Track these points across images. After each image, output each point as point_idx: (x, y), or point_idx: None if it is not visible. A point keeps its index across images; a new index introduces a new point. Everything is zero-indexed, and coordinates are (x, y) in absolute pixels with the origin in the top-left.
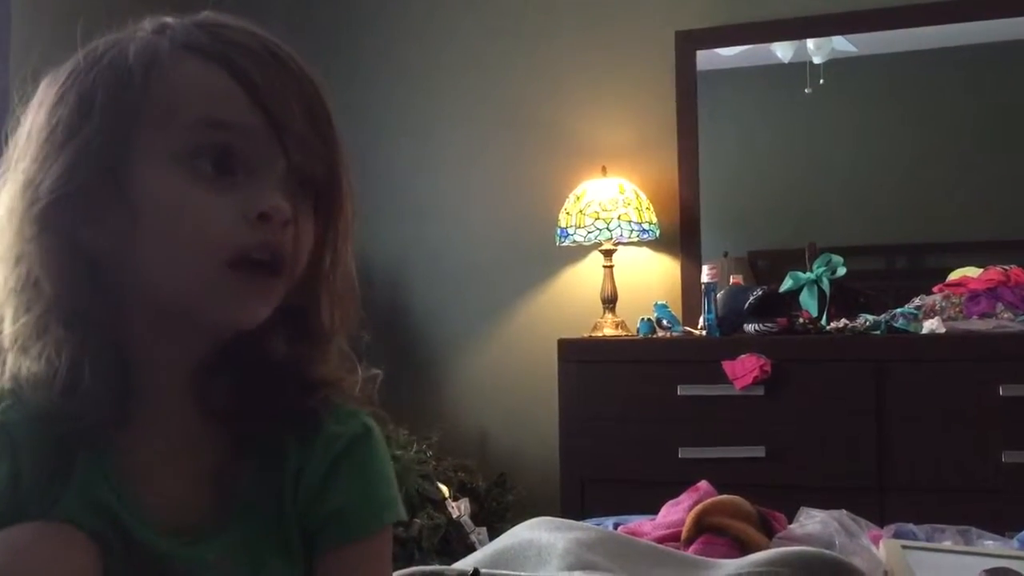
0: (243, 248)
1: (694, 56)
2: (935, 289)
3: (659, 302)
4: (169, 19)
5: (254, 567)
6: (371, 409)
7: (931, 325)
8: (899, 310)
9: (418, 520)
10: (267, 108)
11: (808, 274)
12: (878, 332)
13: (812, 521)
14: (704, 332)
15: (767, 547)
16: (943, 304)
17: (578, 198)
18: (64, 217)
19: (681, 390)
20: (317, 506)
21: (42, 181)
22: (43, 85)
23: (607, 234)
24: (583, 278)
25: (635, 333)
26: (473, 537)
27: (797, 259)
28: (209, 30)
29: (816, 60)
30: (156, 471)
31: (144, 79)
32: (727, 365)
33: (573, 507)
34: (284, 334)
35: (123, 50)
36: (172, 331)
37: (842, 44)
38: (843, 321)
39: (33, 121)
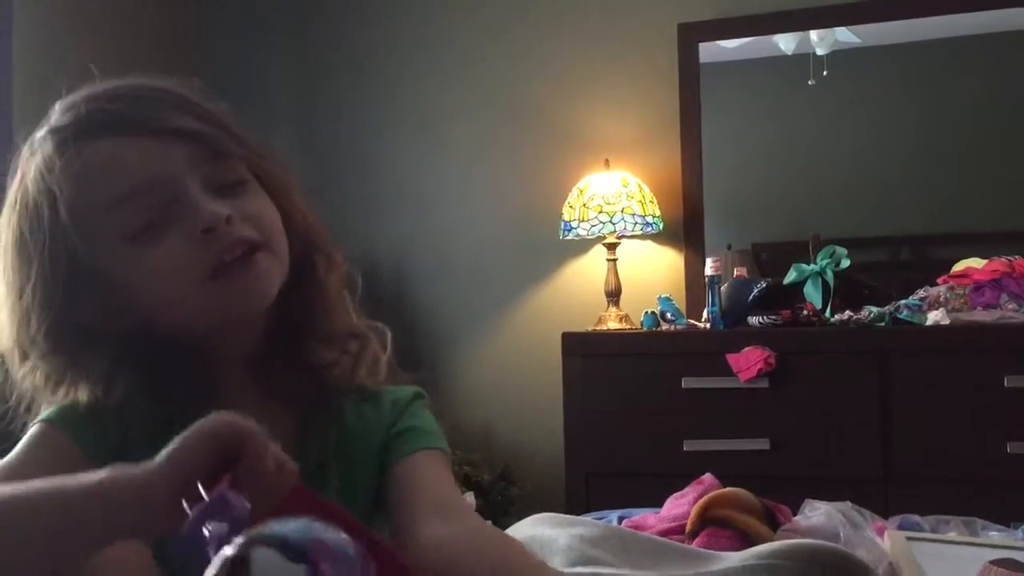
0: (208, 264)
1: (697, 48)
2: (939, 280)
3: (663, 295)
4: (38, 134)
5: (352, 507)
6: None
7: (935, 316)
8: (903, 301)
9: None
10: (157, 142)
11: (812, 266)
12: (882, 324)
13: (817, 513)
14: (708, 325)
15: (772, 539)
16: (947, 295)
17: (581, 191)
18: (64, 336)
19: (685, 383)
20: (390, 435)
21: (28, 316)
22: None
23: (610, 227)
24: (587, 271)
25: (639, 326)
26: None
27: (801, 251)
28: (76, 113)
29: (819, 52)
30: None
31: (52, 205)
32: (731, 358)
33: (577, 500)
34: (299, 301)
35: (26, 188)
36: (210, 336)
37: (845, 35)
38: (847, 313)
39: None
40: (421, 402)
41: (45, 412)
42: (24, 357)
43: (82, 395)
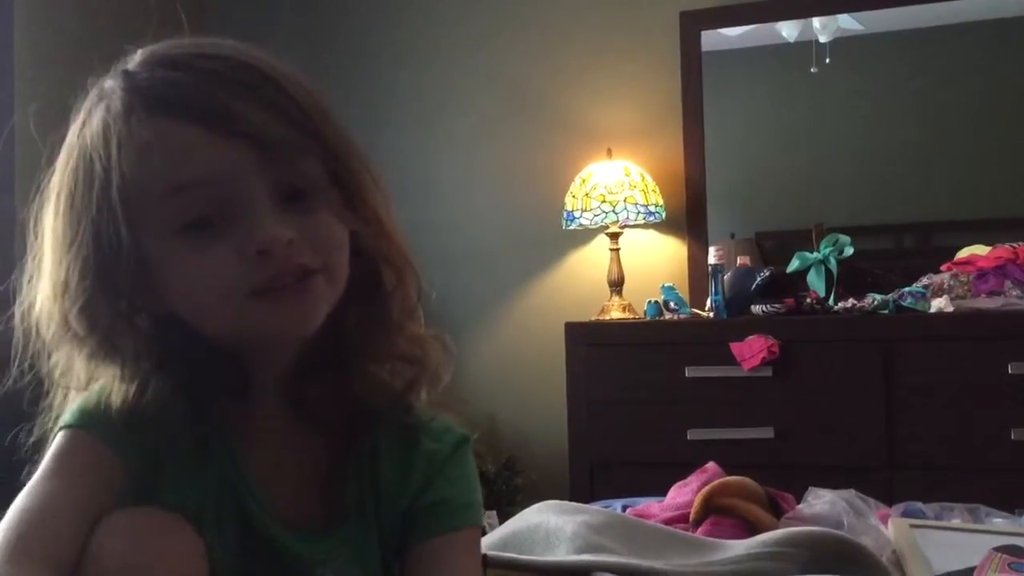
0: (257, 284)
1: (699, 36)
2: (943, 268)
3: (666, 284)
4: (110, 82)
5: (362, 562)
6: (457, 416)
7: (939, 304)
8: (907, 289)
9: None
10: (225, 138)
11: (815, 254)
12: (886, 311)
13: (820, 501)
14: (711, 314)
15: (775, 528)
16: (951, 283)
17: (584, 181)
18: (100, 309)
19: (689, 372)
20: (415, 505)
21: (67, 285)
22: (49, 177)
23: (613, 217)
24: (590, 261)
25: (642, 316)
26: (483, 521)
27: (804, 239)
28: (151, 76)
29: (822, 39)
30: (271, 474)
31: (106, 170)
32: (735, 347)
33: (582, 490)
34: (356, 320)
35: (84, 145)
36: (245, 348)
37: (848, 22)
38: (851, 301)
39: (45, 223)
40: (463, 453)
41: (67, 414)
42: (63, 330)
43: (115, 397)
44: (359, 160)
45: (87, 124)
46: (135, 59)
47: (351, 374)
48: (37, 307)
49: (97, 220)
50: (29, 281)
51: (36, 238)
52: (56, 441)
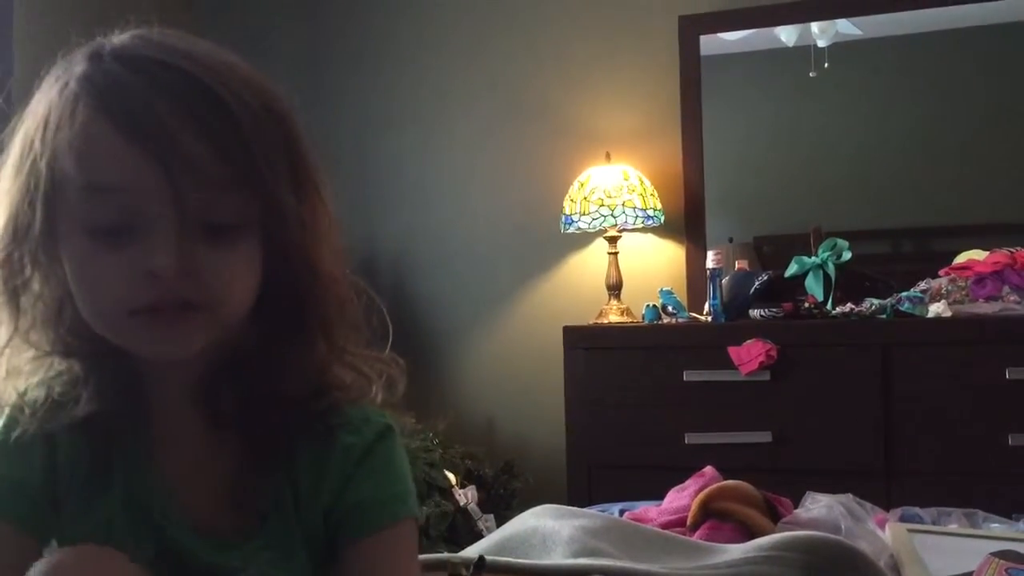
0: (138, 304)
1: (697, 41)
2: (941, 272)
3: (664, 288)
4: (79, 62)
5: (285, 565)
6: (386, 409)
7: (937, 308)
8: (905, 294)
9: (425, 508)
10: (152, 157)
11: (813, 259)
12: (884, 316)
13: (818, 506)
14: (710, 318)
15: (773, 532)
16: (949, 287)
17: (582, 185)
18: (13, 275)
19: (687, 376)
20: (338, 504)
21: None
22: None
23: (612, 220)
24: (588, 265)
25: (640, 319)
26: (480, 524)
27: (802, 244)
28: (108, 70)
29: (821, 43)
30: (182, 482)
31: (42, 149)
32: (733, 351)
33: (580, 493)
34: (276, 342)
35: (36, 113)
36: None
37: (847, 27)
38: (849, 305)
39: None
40: (386, 443)
41: None
42: None
43: (10, 401)
44: (304, 195)
45: (45, 93)
46: (111, 43)
47: (270, 389)
48: None
49: (22, 188)
50: None
51: None
52: None
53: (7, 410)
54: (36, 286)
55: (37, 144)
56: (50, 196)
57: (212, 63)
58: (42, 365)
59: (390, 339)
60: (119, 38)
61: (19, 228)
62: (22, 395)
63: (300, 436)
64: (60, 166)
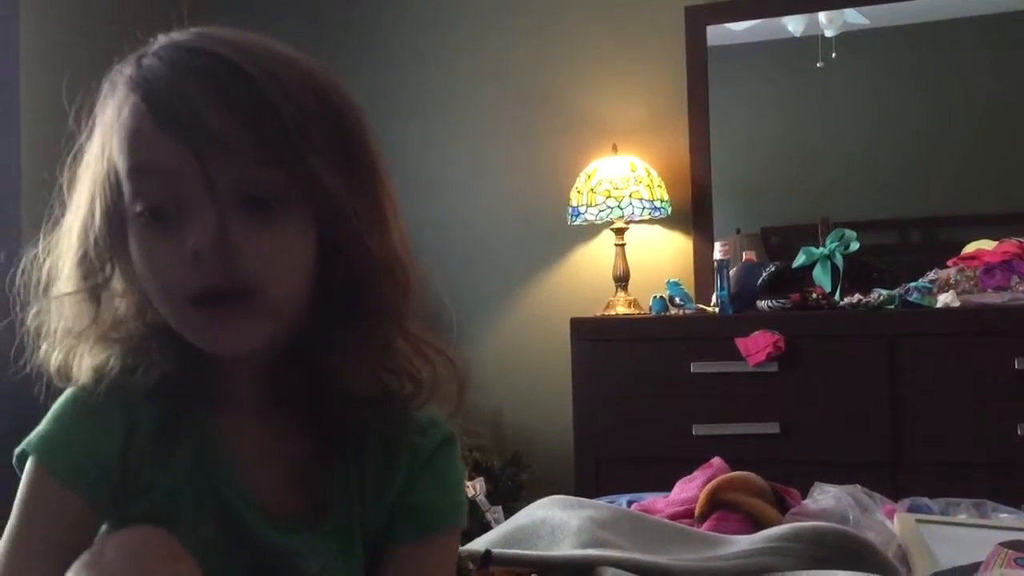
0: (191, 290)
1: (704, 31)
2: (949, 263)
3: (671, 280)
4: (128, 66)
5: (344, 555)
6: (450, 414)
7: (945, 299)
8: (913, 284)
9: None
10: (182, 137)
11: (821, 249)
12: (892, 307)
13: (826, 496)
14: (717, 309)
15: (781, 523)
16: (957, 278)
17: (589, 176)
18: (92, 273)
19: (694, 367)
20: (399, 504)
21: (85, 236)
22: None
23: (619, 212)
24: (595, 256)
25: (648, 311)
26: (488, 516)
27: (810, 234)
28: (146, 64)
29: (828, 33)
30: (249, 463)
31: (104, 153)
32: (740, 342)
33: (587, 485)
34: (336, 328)
35: (96, 109)
36: None
37: (854, 16)
38: (857, 296)
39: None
40: (449, 450)
41: (34, 436)
42: (65, 281)
43: (89, 367)
44: (346, 180)
45: (104, 98)
46: (158, 42)
47: (328, 379)
48: (47, 258)
49: (90, 188)
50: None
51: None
52: (24, 479)
53: (81, 381)
54: (118, 285)
55: (96, 148)
56: (111, 192)
57: (248, 45)
58: (113, 348)
59: (454, 331)
60: (166, 35)
61: (87, 232)
62: (97, 368)
63: (369, 427)
64: (114, 161)
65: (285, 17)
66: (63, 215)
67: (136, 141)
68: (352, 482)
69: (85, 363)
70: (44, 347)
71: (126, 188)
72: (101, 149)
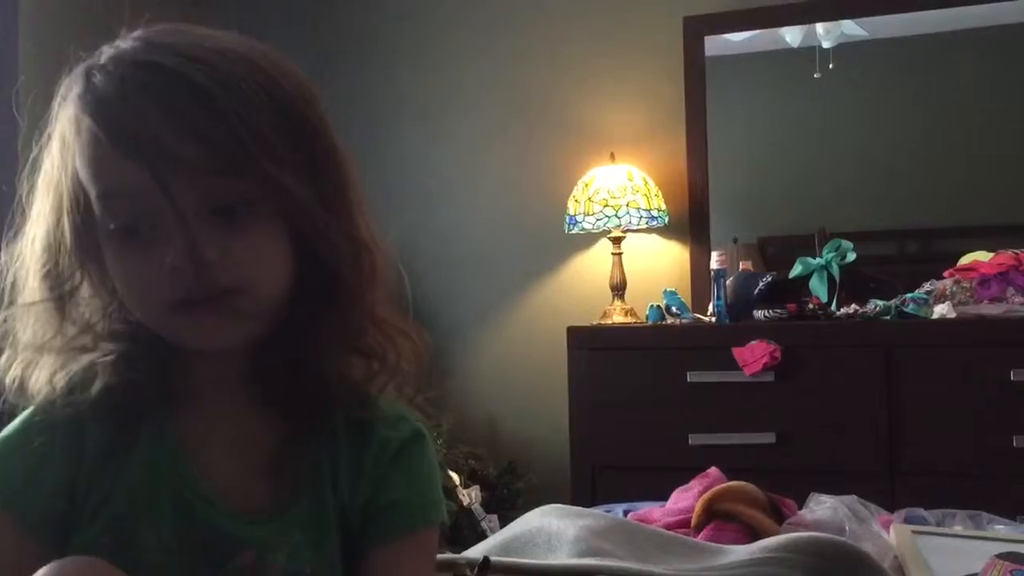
0: (171, 300)
1: (702, 42)
2: (946, 274)
3: (668, 289)
4: (76, 82)
5: (316, 547)
6: (417, 410)
7: (942, 310)
8: (909, 295)
9: None
10: (142, 162)
11: (818, 260)
12: (888, 317)
13: (822, 507)
14: (714, 319)
15: (777, 533)
16: (954, 289)
17: (586, 185)
18: (59, 283)
19: (691, 377)
20: (371, 499)
21: (36, 246)
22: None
23: (616, 221)
24: (592, 265)
25: (644, 320)
26: (484, 525)
27: (807, 245)
28: (97, 80)
29: (825, 44)
30: (216, 455)
31: (64, 170)
32: (737, 352)
33: (583, 494)
34: (312, 316)
35: (55, 126)
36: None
37: (852, 28)
38: (853, 307)
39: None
40: (420, 445)
41: None
42: (31, 292)
43: (56, 380)
44: (318, 171)
45: (58, 111)
46: (103, 55)
47: (307, 363)
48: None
49: (54, 205)
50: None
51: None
52: None
53: (36, 401)
54: (85, 291)
55: (57, 162)
56: (78, 209)
57: (193, 50)
58: (73, 359)
59: (410, 313)
60: (112, 46)
61: (53, 244)
62: (52, 384)
63: (338, 420)
64: (79, 180)
65: (284, 23)
66: (23, 224)
67: (98, 168)
68: (324, 469)
69: (42, 378)
70: (5, 357)
71: (96, 208)
72: (63, 163)
